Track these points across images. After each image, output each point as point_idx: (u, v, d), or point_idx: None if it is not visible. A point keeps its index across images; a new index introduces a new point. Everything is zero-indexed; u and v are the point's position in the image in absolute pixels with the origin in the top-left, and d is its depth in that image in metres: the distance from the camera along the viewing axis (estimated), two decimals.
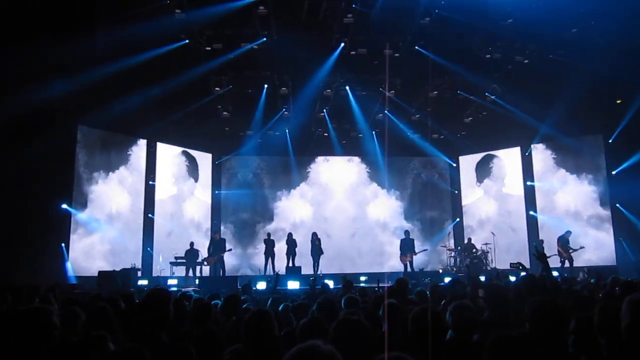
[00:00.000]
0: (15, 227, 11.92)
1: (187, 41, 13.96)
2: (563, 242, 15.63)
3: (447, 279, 12.46)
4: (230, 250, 16.72)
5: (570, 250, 15.39)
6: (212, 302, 6.08)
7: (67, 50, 11.24)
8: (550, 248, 15.25)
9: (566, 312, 3.43)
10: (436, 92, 16.89)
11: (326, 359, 1.85)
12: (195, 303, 5.80)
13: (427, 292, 6.84)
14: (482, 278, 11.85)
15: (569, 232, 15.85)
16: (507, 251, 18.27)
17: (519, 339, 2.68)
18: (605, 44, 13.34)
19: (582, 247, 15.55)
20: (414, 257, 16.94)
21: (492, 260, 17.14)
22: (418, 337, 3.25)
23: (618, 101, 15.80)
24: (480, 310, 4.49)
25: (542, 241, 16.63)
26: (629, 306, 2.92)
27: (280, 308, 5.48)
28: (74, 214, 14.57)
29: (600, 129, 16.86)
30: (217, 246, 16.39)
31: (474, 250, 17.37)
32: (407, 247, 17.05)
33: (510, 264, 15.56)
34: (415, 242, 17.54)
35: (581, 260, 15.49)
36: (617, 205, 16.29)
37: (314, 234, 17.66)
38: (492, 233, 17.89)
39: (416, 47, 14.72)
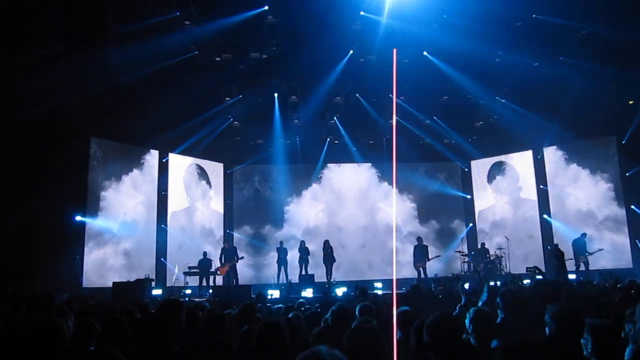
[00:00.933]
0: (30, 238, 12.04)
1: (196, 52, 14.06)
2: (579, 245, 15.47)
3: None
4: (242, 258, 16.73)
5: (587, 254, 15.20)
6: (226, 312, 6.08)
7: (80, 63, 11.39)
8: (566, 252, 15.09)
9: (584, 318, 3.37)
10: (446, 97, 16.84)
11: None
12: (209, 313, 5.80)
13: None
14: (498, 283, 11.80)
15: (584, 235, 15.68)
16: (521, 256, 18.14)
17: (536, 346, 2.65)
18: (616, 43, 13.25)
19: (600, 249, 15.33)
20: (427, 263, 16.85)
21: (506, 265, 17.00)
22: (435, 345, 3.22)
23: (630, 102, 15.65)
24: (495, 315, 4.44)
25: (556, 245, 16.47)
26: None
27: (290, 315, 5.46)
28: (88, 225, 14.67)
29: (613, 130, 16.71)
30: (228, 255, 16.43)
31: (488, 255, 17.24)
32: (420, 254, 16.96)
33: (527, 268, 15.44)
34: (429, 248, 17.44)
35: (597, 263, 15.30)
36: (633, 207, 16.10)
37: (326, 242, 17.64)
38: (506, 238, 17.74)
39: (424, 53, 14.71)
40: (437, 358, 3.02)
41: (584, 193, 17.40)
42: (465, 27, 13.23)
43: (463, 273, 16.94)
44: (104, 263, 15.13)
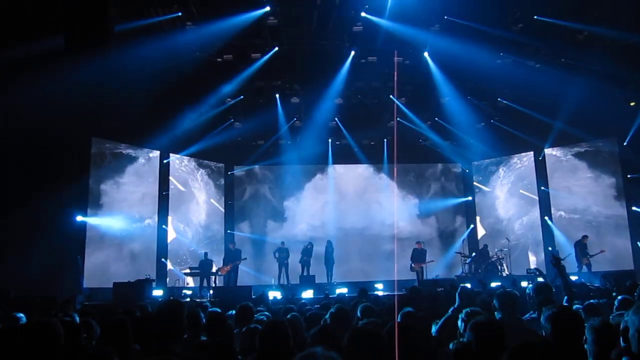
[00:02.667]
0: (30, 239, 12.03)
1: (197, 53, 14.07)
2: (580, 247, 15.46)
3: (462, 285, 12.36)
4: (245, 259, 16.76)
5: (589, 256, 15.19)
6: (227, 313, 6.09)
7: (81, 63, 11.38)
8: (566, 253, 15.15)
9: (582, 321, 3.37)
10: (447, 98, 16.85)
11: None
12: (210, 314, 5.81)
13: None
14: (498, 284, 11.80)
15: (585, 237, 15.67)
16: (522, 257, 18.16)
17: (537, 348, 2.65)
18: (617, 45, 13.25)
19: (602, 251, 15.29)
20: (424, 266, 16.92)
21: (507, 267, 16.99)
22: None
23: (632, 103, 15.63)
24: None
25: (557, 251, 16.46)
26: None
27: (289, 316, 5.47)
28: (88, 225, 14.68)
29: (615, 131, 16.68)
30: (232, 256, 16.45)
31: (489, 256, 17.24)
32: (418, 257, 17.02)
33: (527, 269, 15.42)
34: (428, 251, 17.42)
35: (598, 265, 15.27)
36: (634, 208, 16.08)
37: (329, 242, 17.67)
38: (507, 239, 17.73)
39: (425, 55, 14.72)
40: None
41: (585, 195, 17.37)
42: (466, 28, 13.25)
43: (464, 274, 16.94)
44: (105, 263, 15.13)
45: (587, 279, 13.98)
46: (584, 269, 15.14)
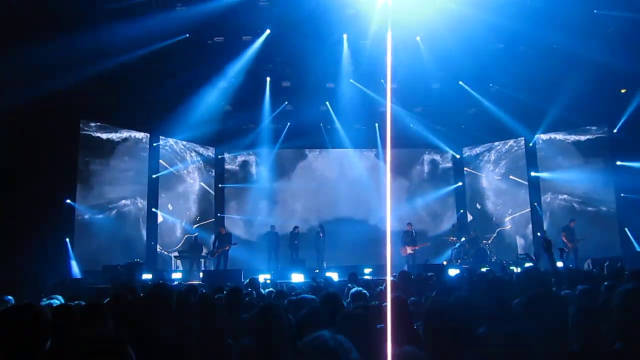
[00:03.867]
0: (18, 222, 11.94)
1: (187, 35, 13.91)
2: (567, 232, 15.57)
3: (451, 271, 12.44)
4: (235, 244, 16.75)
5: (577, 241, 15.30)
6: (216, 296, 6.07)
7: (70, 45, 11.24)
8: (555, 238, 15.23)
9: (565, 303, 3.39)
10: (438, 83, 16.81)
11: (339, 348, 1.84)
12: (200, 297, 5.79)
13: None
14: (487, 268, 11.86)
15: (572, 221, 15.78)
16: (512, 242, 18.31)
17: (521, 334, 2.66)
18: (609, 32, 13.27)
19: (589, 235, 15.40)
20: (416, 250, 16.97)
21: (496, 252, 17.15)
22: (427, 331, 3.22)
23: (622, 90, 15.68)
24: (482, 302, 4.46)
25: (545, 232, 16.61)
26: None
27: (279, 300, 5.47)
28: (77, 208, 14.59)
29: (605, 118, 16.75)
30: (223, 240, 16.43)
31: (478, 241, 17.36)
32: (409, 240, 17.06)
33: (518, 255, 15.51)
34: (418, 235, 17.52)
35: (585, 250, 15.41)
36: (622, 194, 16.20)
37: (320, 226, 17.70)
38: (497, 225, 17.83)
39: (417, 39, 14.64)
40: (436, 342, 3.02)
41: (574, 181, 17.45)
42: (460, 11, 13.17)
43: (453, 259, 17.05)
44: (94, 246, 15.05)
45: (574, 264, 14.12)
46: (570, 254, 15.24)
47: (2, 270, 10.92)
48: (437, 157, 20.90)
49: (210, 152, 19.68)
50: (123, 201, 16.17)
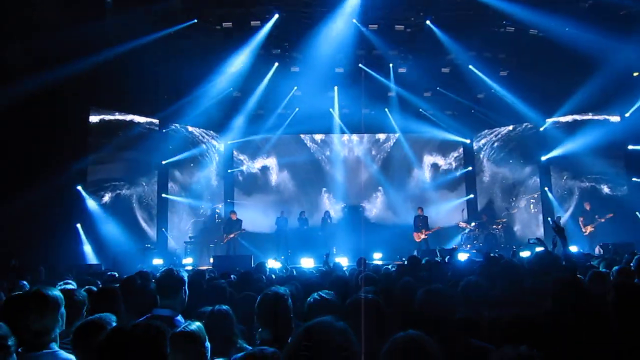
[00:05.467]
0: (31, 209, 12.04)
1: (195, 20, 13.86)
2: (584, 215, 15.47)
3: (461, 256, 12.44)
4: (244, 230, 16.84)
5: (596, 221, 15.21)
6: (225, 280, 6.11)
7: (78, 32, 11.25)
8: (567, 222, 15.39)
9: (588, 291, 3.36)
10: (448, 68, 16.66)
11: (340, 335, 1.84)
12: (209, 282, 5.83)
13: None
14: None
15: (587, 203, 15.74)
16: (522, 228, 18.23)
17: (539, 317, 2.66)
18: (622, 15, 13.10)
19: (609, 215, 15.32)
20: (428, 234, 16.93)
21: (508, 236, 17.11)
22: (430, 315, 3.22)
23: (635, 74, 15.45)
24: (492, 287, 4.45)
25: (559, 217, 16.50)
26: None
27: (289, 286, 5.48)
28: (86, 197, 14.65)
29: (617, 103, 16.52)
30: (233, 226, 16.53)
31: (489, 226, 17.31)
32: (421, 224, 17.03)
33: (529, 240, 15.43)
34: (429, 219, 17.50)
35: (596, 234, 15.31)
36: (634, 179, 16.05)
37: (327, 213, 17.73)
38: (507, 209, 17.75)
39: (427, 23, 14.49)
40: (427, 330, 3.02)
41: (585, 165, 17.28)
42: None
43: (462, 244, 17.02)
44: (106, 232, 15.16)
45: (589, 248, 14.06)
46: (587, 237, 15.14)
47: (17, 256, 11.07)
48: (447, 142, 20.65)
49: (219, 138, 19.66)
50: (133, 187, 16.23)
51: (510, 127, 19.45)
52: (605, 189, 16.91)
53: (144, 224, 16.42)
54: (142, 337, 2.36)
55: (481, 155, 20.27)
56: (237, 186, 19.93)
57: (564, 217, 16.61)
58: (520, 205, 18.83)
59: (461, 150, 20.74)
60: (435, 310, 3.04)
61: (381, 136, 20.61)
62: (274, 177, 20.12)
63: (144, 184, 16.66)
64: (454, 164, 20.69)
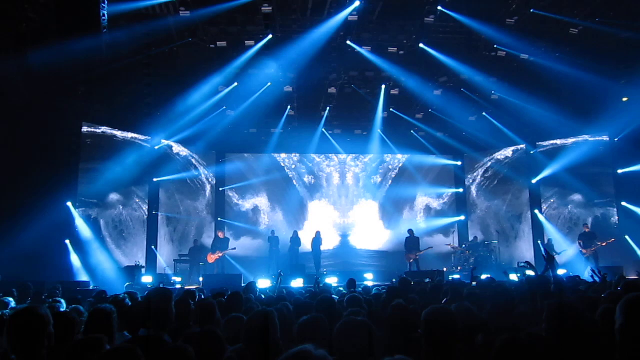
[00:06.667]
0: (20, 225, 11.93)
1: (190, 39, 13.95)
2: (584, 238, 15.53)
3: (452, 277, 12.43)
4: (234, 249, 16.78)
5: (597, 245, 15.29)
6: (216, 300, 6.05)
7: (73, 48, 11.27)
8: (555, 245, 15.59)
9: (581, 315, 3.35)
10: (440, 90, 16.81)
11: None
12: (199, 303, 5.78)
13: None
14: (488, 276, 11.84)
15: (585, 225, 15.91)
16: (512, 250, 18.26)
17: (531, 341, 2.65)
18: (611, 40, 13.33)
19: (610, 240, 15.44)
20: (419, 255, 16.91)
21: (496, 259, 17.12)
22: (427, 338, 3.21)
23: (624, 99, 15.66)
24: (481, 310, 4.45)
25: (550, 240, 16.56)
26: (622, 306, 2.84)
27: (278, 305, 5.45)
28: (75, 215, 14.53)
29: (606, 127, 16.72)
30: (221, 245, 16.45)
31: (479, 248, 17.33)
32: (412, 246, 17.01)
33: (518, 263, 15.46)
34: (420, 240, 17.51)
35: (598, 257, 15.38)
36: (623, 203, 16.20)
37: (318, 232, 17.70)
38: (497, 232, 17.79)
39: (420, 45, 14.66)
40: (431, 349, 3.01)
41: (575, 188, 17.41)
42: (460, 19, 13.26)
43: (454, 266, 17.03)
44: (95, 249, 15.04)
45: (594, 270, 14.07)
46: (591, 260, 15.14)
47: (3, 273, 10.95)
48: (438, 163, 20.73)
49: (211, 156, 19.65)
50: (123, 204, 16.15)
51: (501, 150, 19.56)
52: (593, 213, 17.04)
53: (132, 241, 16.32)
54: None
55: (472, 176, 20.35)
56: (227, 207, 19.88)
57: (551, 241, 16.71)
58: (510, 227, 18.90)
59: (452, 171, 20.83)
60: (442, 331, 3.03)
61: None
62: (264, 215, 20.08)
63: (134, 200, 16.59)
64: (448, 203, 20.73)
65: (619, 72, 14.19)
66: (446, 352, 2.96)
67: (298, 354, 1.89)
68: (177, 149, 18.31)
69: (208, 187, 19.36)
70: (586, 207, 17.18)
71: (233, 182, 19.88)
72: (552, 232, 17.45)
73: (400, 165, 20.62)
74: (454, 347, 2.99)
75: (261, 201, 19.94)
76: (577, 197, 17.36)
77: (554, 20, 13.31)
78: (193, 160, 18.92)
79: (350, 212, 20.20)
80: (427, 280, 11.64)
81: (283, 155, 20.23)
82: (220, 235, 16.82)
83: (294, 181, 20.24)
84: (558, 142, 17.93)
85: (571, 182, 17.11)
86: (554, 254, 15.41)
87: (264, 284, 12.91)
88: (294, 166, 20.34)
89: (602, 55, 13.64)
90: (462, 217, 20.12)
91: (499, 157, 19.71)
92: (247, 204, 19.88)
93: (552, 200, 18.00)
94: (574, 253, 15.93)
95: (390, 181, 20.56)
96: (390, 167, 20.62)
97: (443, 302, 4.86)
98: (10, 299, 6.54)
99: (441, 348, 2.98)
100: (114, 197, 15.84)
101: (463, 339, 3.38)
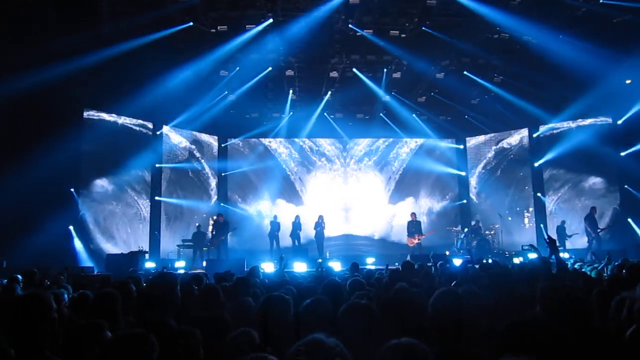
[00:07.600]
0: (24, 210, 11.99)
1: (191, 23, 13.84)
2: (590, 220, 15.54)
3: (455, 261, 12.44)
4: (235, 229, 16.81)
5: (599, 230, 15.29)
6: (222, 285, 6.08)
7: (73, 35, 11.23)
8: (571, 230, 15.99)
9: (580, 298, 3.36)
10: (443, 73, 16.71)
11: (331, 352, 1.85)
12: (204, 287, 5.80)
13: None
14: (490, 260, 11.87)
15: (594, 209, 15.79)
16: (515, 233, 18.28)
17: (534, 324, 2.66)
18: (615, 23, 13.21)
19: (611, 225, 15.50)
20: (421, 238, 16.96)
21: (499, 242, 17.15)
22: (434, 323, 3.21)
23: (627, 81, 15.56)
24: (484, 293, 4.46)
25: (563, 222, 16.49)
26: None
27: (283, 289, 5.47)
28: (80, 200, 14.58)
29: (609, 110, 16.65)
30: (220, 229, 16.47)
31: (481, 232, 17.35)
32: (414, 229, 17.05)
33: (522, 246, 15.48)
34: (422, 224, 17.53)
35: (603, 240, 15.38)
36: (626, 186, 16.17)
37: (320, 217, 17.70)
38: (500, 215, 17.80)
39: (423, 28, 14.53)
40: (438, 334, 3.02)
41: (579, 172, 17.39)
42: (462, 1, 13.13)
43: (456, 250, 17.05)
44: (99, 234, 15.12)
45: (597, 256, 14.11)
46: (594, 244, 15.17)
47: (8, 259, 11.01)
48: (441, 147, 20.69)
49: (213, 141, 19.64)
50: (126, 189, 16.18)
51: (504, 133, 19.52)
52: (595, 196, 17.03)
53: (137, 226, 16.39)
54: (131, 345, 2.38)
55: (474, 159, 20.32)
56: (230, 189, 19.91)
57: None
58: (513, 211, 18.91)
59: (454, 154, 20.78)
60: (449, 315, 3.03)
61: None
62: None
63: (140, 186, 16.62)
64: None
65: (622, 54, 14.05)
66: (453, 337, 2.97)
67: (310, 343, 1.90)
68: (178, 134, 18.29)
69: (209, 172, 19.35)
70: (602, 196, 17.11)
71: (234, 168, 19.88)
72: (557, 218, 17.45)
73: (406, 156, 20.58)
74: (460, 332, 3.00)
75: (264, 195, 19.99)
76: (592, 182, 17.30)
77: (558, 1, 13.16)
78: (194, 146, 18.90)
79: (353, 196, 20.19)
80: (430, 264, 11.68)
81: (280, 140, 20.21)
82: (220, 219, 16.83)
83: (295, 168, 20.23)
84: (564, 124, 17.86)
85: (582, 169, 17.10)
86: (566, 237, 15.51)
87: (267, 267, 12.95)
88: (295, 155, 20.30)
89: (606, 37, 13.51)
90: (464, 201, 20.14)
91: (501, 140, 19.66)
92: (249, 203, 19.94)
93: (562, 191, 17.94)
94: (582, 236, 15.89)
95: (398, 175, 20.54)
96: (396, 153, 20.59)
97: (452, 284, 4.86)
98: (17, 285, 6.59)
99: (448, 333, 2.99)
100: (114, 182, 15.85)
101: (468, 323, 3.39)
